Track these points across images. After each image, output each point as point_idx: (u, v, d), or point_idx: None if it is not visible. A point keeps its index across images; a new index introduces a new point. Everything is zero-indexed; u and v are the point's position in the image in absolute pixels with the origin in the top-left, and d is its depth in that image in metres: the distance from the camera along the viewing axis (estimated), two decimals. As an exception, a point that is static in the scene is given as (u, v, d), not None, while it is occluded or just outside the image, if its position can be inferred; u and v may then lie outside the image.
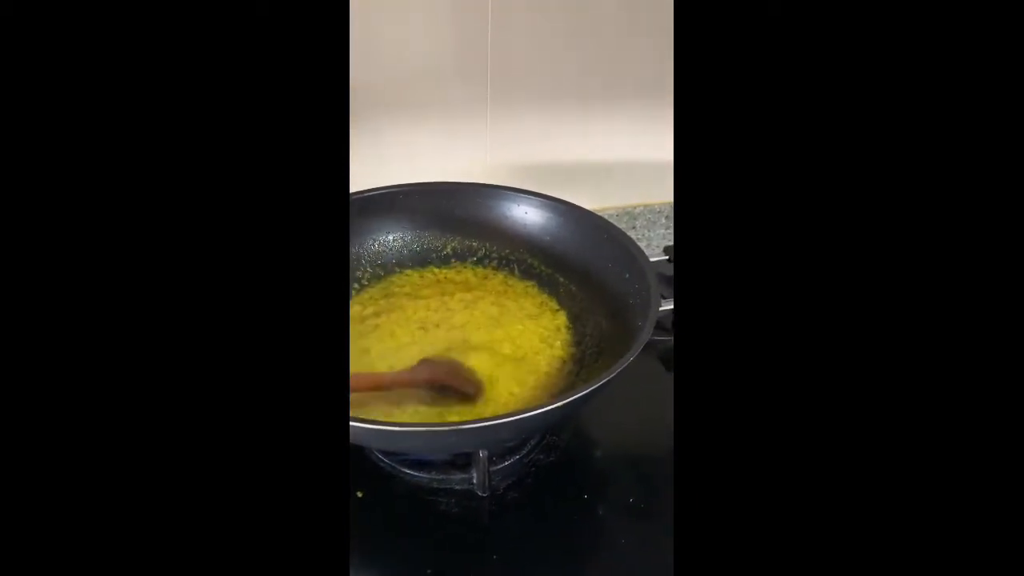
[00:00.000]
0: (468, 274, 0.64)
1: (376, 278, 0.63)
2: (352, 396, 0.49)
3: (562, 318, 0.60)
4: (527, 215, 0.64)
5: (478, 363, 0.54)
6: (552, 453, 0.53)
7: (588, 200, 0.64)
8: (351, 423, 0.42)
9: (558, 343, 0.57)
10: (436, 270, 0.65)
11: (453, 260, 0.65)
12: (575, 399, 0.42)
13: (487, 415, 0.50)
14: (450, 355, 0.55)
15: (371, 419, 0.46)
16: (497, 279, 0.64)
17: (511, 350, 0.56)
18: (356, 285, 0.63)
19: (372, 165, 0.71)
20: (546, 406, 0.42)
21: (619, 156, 0.79)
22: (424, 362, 0.54)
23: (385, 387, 0.51)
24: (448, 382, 0.52)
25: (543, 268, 0.63)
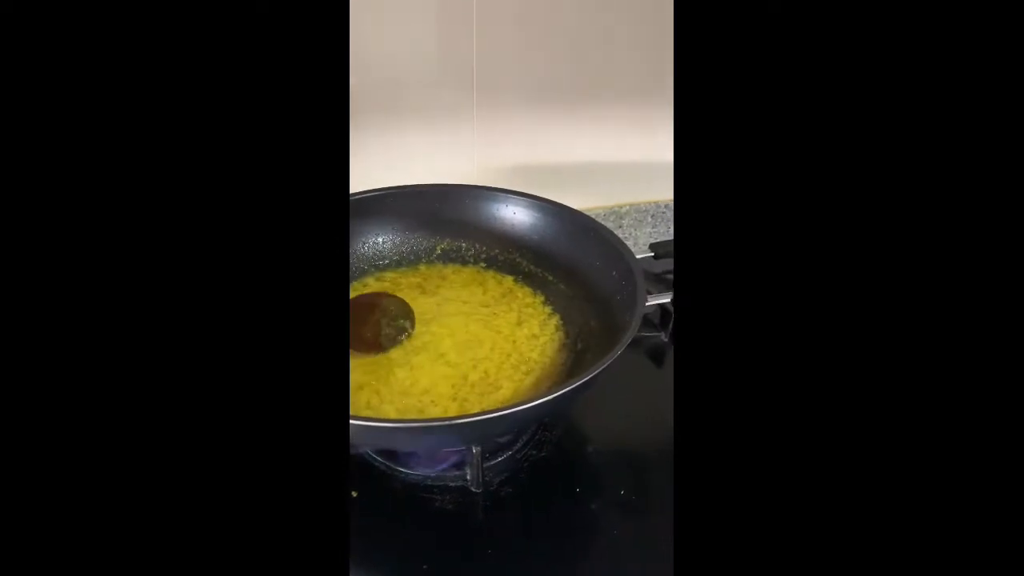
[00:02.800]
0: (458, 273, 0.65)
1: (364, 275, 0.64)
2: None
3: (552, 315, 0.61)
4: (515, 215, 0.65)
5: (470, 357, 0.55)
6: (544, 448, 0.54)
7: (575, 200, 0.65)
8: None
9: (548, 338, 0.58)
10: (425, 268, 0.65)
11: (443, 261, 0.66)
12: (567, 391, 0.43)
13: (485, 408, 0.51)
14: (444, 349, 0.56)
15: (361, 415, 0.47)
16: (487, 278, 0.65)
17: (503, 345, 0.57)
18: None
19: (359, 169, 0.71)
20: (539, 399, 0.43)
21: (606, 157, 0.80)
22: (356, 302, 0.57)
23: None
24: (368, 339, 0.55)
25: (532, 267, 0.64)
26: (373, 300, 0.59)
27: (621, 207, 0.83)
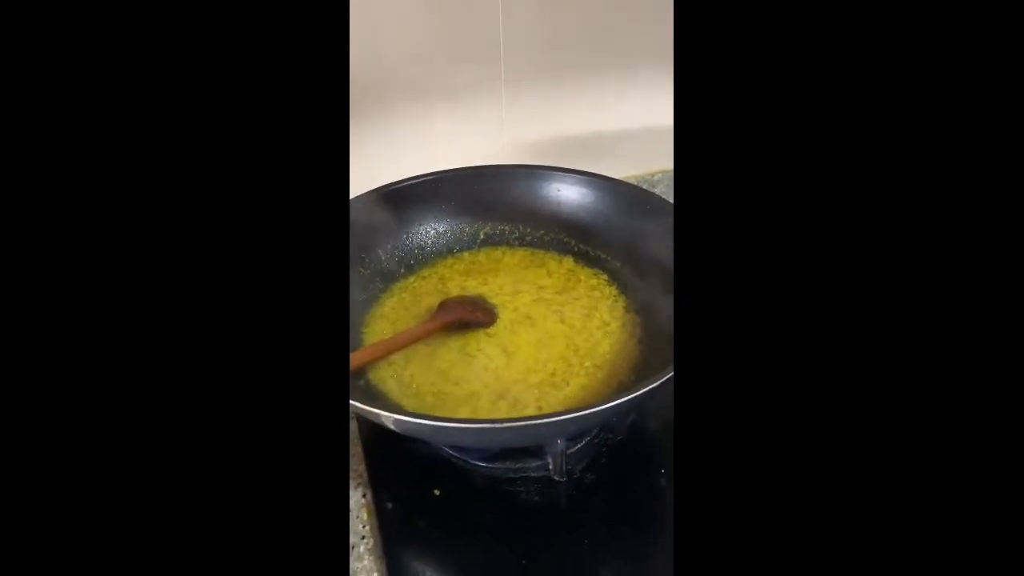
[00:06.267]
0: (507, 257, 0.63)
1: (412, 271, 0.62)
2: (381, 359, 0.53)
3: (619, 296, 0.59)
4: (560, 192, 0.63)
5: (537, 347, 0.54)
6: (620, 432, 0.53)
7: (606, 171, 0.63)
8: (422, 420, 0.42)
9: (619, 324, 0.56)
10: (472, 254, 0.63)
11: (488, 246, 0.64)
12: (658, 384, 0.42)
13: (561, 400, 0.50)
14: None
15: (446, 417, 0.46)
16: (538, 260, 0.63)
17: (571, 333, 0.56)
18: (390, 280, 0.61)
19: (386, 159, 0.69)
20: (633, 392, 0.41)
21: (634, 123, 0.77)
22: (443, 305, 0.56)
23: (407, 344, 0.53)
24: (466, 318, 0.55)
25: (583, 246, 0.62)
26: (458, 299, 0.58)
27: (653, 175, 0.82)
